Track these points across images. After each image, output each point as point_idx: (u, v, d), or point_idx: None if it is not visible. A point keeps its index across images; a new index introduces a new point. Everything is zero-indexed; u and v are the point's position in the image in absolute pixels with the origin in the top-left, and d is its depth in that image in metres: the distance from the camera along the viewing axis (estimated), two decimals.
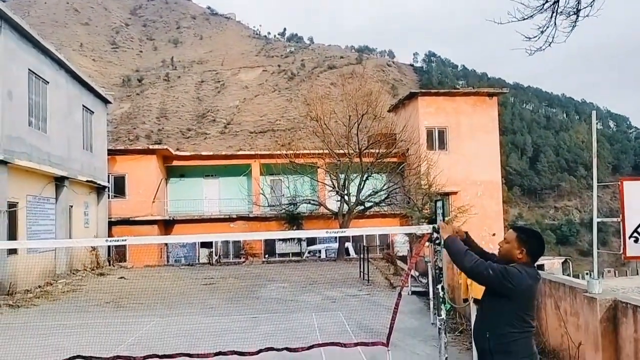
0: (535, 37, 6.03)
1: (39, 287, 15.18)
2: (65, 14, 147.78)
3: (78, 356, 5.76)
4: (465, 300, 7.13)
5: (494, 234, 24.70)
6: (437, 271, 4.66)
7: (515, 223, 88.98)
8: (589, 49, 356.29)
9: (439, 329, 4.42)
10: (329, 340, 6.87)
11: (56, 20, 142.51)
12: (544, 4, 6.01)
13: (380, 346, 5.39)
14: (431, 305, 9.45)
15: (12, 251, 14.46)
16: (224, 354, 5.67)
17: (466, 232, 3.82)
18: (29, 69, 16.12)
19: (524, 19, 6.07)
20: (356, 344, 6.14)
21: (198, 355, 5.76)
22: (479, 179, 27.09)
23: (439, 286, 4.58)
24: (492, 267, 3.27)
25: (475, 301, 5.70)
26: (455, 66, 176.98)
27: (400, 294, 4.69)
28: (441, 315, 4.43)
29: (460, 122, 27.46)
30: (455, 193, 26.29)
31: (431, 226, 4.42)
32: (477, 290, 5.03)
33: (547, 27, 5.96)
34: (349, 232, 4.89)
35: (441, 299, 4.51)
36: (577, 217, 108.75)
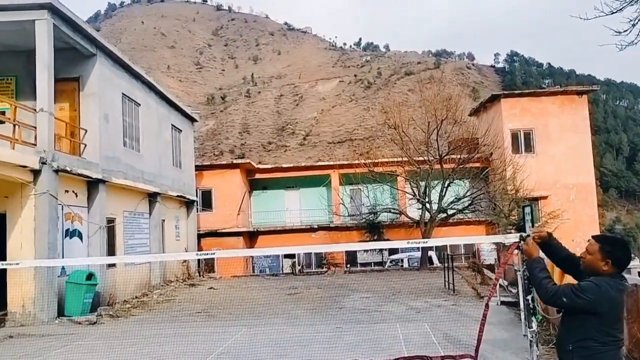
0: (626, 30, 5.65)
1: (136, 297, 16.11)
2: (153, 38, 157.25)
3: None
4: (560, 311, 6.75)
5: (588, 240, 23.25)
6: (526, 281, 4.46)
7: (613, 228, 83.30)
8: None
9: (530, 341, 4.22)
10: (414, 353, 6.76)
11: (145, 45, 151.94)
12: None
13: (469, 359, 5.22)
14: (522, 316, 9.02)
15: (111, 264, 15.46)
16: None
17: (549, 233, 3.65)
18: (122, 93, 17.25)
19: (613, 13, 5.72)
20: (443, 357, 5.99)
21: None
22: (571, 182, 25.66)
23: (529, 297, 4.38)
24: (565, 294, 3.17)
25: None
26: (540, 65, 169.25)
27: (487, 305, 4.52)
28: (532, 327, 4.24)
29: (547, 123, 26.21)
30: (545, 198, 25.04)
31: (518, 234, 4.25)
32: None
33: (639, 20, 5.56)
34: (431, 242, 4.80)
35: (531, 310, 4.30)
36: None
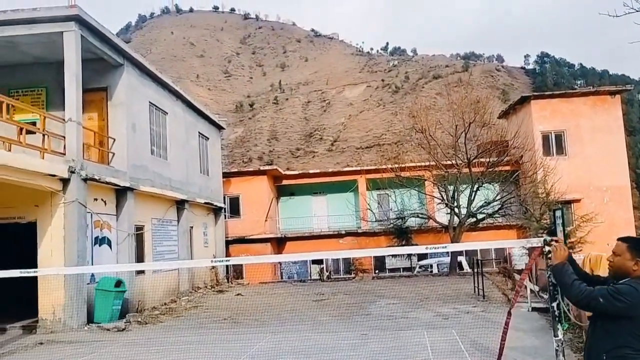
0: None
1: (164, 304, 16.26)
2: (183, 48, 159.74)
3: None
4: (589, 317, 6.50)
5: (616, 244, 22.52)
6: (551, 287, 4.28)
7: None
8: None
9: (556, 350, 4.05)
10: None
11: (175, 55, 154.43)
12: None
13: None
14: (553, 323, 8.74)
15: (140, 271, 15.63)
16: None
17: (570, 253, 3.51)
18: (149, 102, 17.49)
19: None
20: None
21: None
22: (605, 184, 24.94)
23: (554, 304, 4.20)
24: (601, 294, 3.02)
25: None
26: (571, 65, 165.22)
27: (509, 313, 4.36)
28: (558, 336, 4.06)
29: (579, 125, 25.57)
30: (577, 201, 24.40)
31: (542, 239, 4.09)
32: None
33: None
34: (450, 247, 4.67)
35: (557, 318, 4.12)
36: None
